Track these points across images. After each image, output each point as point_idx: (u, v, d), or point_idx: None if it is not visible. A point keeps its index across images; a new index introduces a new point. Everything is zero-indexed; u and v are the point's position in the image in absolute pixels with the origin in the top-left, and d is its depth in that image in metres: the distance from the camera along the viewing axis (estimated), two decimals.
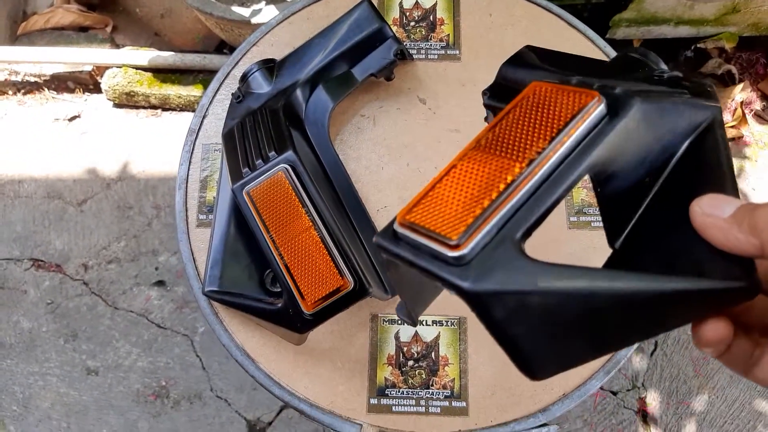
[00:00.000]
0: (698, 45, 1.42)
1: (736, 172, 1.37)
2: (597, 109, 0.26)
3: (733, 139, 1.41)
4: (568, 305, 0.23)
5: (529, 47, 0.39)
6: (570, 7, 1.24)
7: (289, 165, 0.53)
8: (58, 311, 1.31)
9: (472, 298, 0.22)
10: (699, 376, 1.24)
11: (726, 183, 0.26)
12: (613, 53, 0.69)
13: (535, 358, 0.24)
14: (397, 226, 0.25)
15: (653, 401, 1.23)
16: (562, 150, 0.26)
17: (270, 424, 1.22)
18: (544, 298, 0.22)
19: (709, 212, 0.24)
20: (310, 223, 0.52)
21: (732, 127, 1.40)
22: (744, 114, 1.41)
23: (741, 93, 1.40)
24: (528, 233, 0.24)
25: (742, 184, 1.40)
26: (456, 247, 0.23)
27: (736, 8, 1.29)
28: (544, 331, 0.23)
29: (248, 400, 1.24)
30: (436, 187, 0.26)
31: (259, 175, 0.54)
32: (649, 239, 0.28)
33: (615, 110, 0.26)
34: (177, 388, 1.25)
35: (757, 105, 1.43)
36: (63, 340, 1.29)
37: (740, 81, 1.42)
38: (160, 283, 1.33)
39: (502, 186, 0.24)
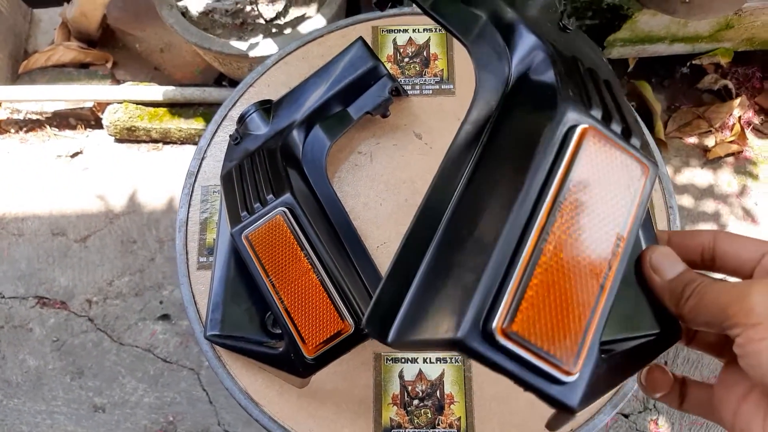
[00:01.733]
0: (694, 61, 1.42)
1: (738, 189, 1.38)
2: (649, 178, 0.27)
3: (732, 154, 1.41)
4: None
5: None
6: None
7: (287, 208, 0.53)
8: (63, 348, 1.31)
9: (570, 411, 0.24)
10: None
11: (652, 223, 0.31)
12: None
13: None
14: (500, 337, 0.24)
15: (665, 423, 1.22)
16: (630, 237, 0.26)
17: None
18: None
19: (656, 266, 0.28)
20: (310, 266, 0.52)
21: (731, 142, 1.40)
22: (742, 129, 1.41)
23: (738, 108, 1.40)
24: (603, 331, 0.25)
25: (745, 201, 1.39)
26: (570, 372, 0.24)
27: (730, 24, 1.30)
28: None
29: None
30: (531, 285, 0.24)
31: (257, 218, 0.54)
32: None
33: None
34: (184, 423, 1.24)
35: (755, 119, 1.43)
36: (69, 378, 1.29)
37: (737, 96, 1.42)
38: (165, 317, 1.33)
39: (596, 290, 0.25)
